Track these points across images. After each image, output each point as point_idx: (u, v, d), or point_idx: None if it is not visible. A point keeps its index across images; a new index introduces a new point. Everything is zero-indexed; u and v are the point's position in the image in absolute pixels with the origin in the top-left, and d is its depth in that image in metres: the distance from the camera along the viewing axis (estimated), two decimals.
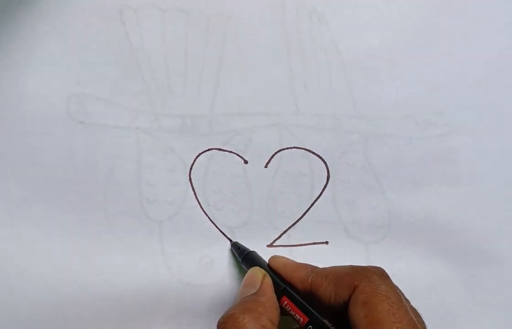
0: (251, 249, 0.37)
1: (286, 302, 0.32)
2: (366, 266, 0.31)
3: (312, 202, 0.39)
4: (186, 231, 0.38)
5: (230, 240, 0.38)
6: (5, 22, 0.36)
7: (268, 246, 0.38)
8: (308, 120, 0.38)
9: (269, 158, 0.38)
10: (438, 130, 0.39)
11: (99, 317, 0.37)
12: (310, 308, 0.31)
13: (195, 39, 0.37)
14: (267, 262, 0.35)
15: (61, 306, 0.37)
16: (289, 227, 0.39)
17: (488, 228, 0.40)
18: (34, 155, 0.37)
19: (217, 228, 0.38)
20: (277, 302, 0.32)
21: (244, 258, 0.36)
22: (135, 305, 0.37)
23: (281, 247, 0.39)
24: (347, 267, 0.32)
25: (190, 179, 0.38)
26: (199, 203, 0.38)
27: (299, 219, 0.39)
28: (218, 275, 0.38)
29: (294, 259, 0.38)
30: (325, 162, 0.39)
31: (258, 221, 0.38)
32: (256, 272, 0.34)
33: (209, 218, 0.38)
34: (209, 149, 0.38)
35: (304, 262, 0.34)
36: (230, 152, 0.38)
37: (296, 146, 0.39)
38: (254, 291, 0.32)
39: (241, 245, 0.37)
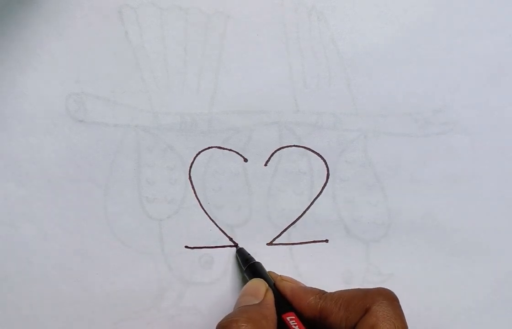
0: (255, 257, 0.37)
1: (293, 318, 0.32)
2: (377, 289, 0.31)
3: (312, 201, 0.39)
4: (185, 229, 0.38)
5: (236, 245, 0.38)
6: (5, 22, 0.36)
7: (268, 244, 0.38)
8: (308, 118, 0.38)
9: (268, 157, 0.38)
10: (437, 128, 0.39)
11: (99, 316, 0.37)
12: None
13: (194, 38, 0.37)
14: (273, 281, 0.35)
15: (61, 305, 0.37)
16: (289, 226, 0.39)
17: (488, 226, 0.40)
18: (34, 154, 0.37)
19: (217, 226, 0.38)
20: (276, 320, 0.31)
21: (248, 267, 0.36)
22: (135, 304, 0.37)
23: (281, 245, 0.39)
24: (357, 290, 0.32)
25: (189, 178, 0.38)
26: (199, 202, 0.38)
27: (299, 217, 0.39)
28: (218, 273, 0.38)
29: (293, 258, 0.38)
30: (324, 160, 0.39)
31: (257, 220, 0.38)
32: (260, 284, 0.33)
33: (209, 216, 0.38)
34: (208, 148, 0.38)
35: (311, 287, 0.34)
36: (230, 150, 0.38)
37: (295, 144, 0.39)
38: (256, 302, 0.32)
39: (247, 253, 0.37)
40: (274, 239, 0.39)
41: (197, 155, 0.38)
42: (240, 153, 0.38)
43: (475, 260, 0.39)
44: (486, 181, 0.40)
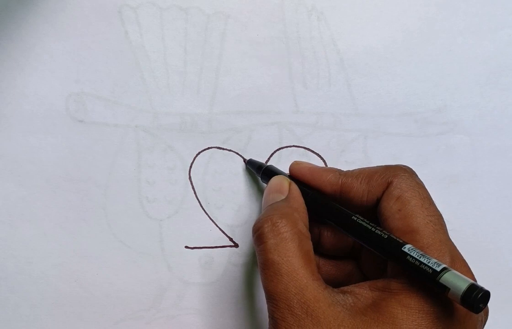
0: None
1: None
2: (397, 165, 0.32)
3: None
4: (185, 230, 0.38)
5: (244, 159, 0.38)
6: (5, 22, 0.36)
7: None
8: (308, 119, 0.38)
9: (268, 157, 0.38)
10: (437, 128, 0.39)
11: (99, 316, 0.37)
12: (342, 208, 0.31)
13: (194, 38, 0.37)
14: (289, 168, 0.35)
15: (61, 305, 0.37)
16: None
17: (487, 226, 0.40)
18: (34, 154, 0.37)
19: (217, 226, 0.38)
20: (306, 208, 0.32)
21: (263, 172, 0.36)
22: (135, 304, 0.37)
23: None
24: (377, 167, 0.32)
25: (189, 178, 0.38)
26: (199, 202, 0.38)
27: None
28: (217, 273, 0.38)
29: None
30: (324, 161, 0.39)
31: None
32: (281, 180, 0.33)
33: (209, 216, 0.38)
34: (208, 148, 0.38)
35: (329, 167, 0.35)
36: (230, 150, 0.38)
37: (295, 144, 0.39)
38: (283, 197, 0.32)
39: (256, 161, 0.37)
40: None
41: (197, 155, 0.38)
42: (240, 153, 0.38)
43: (475, 260, 0.39)
44: (486, 181, 0.40)
